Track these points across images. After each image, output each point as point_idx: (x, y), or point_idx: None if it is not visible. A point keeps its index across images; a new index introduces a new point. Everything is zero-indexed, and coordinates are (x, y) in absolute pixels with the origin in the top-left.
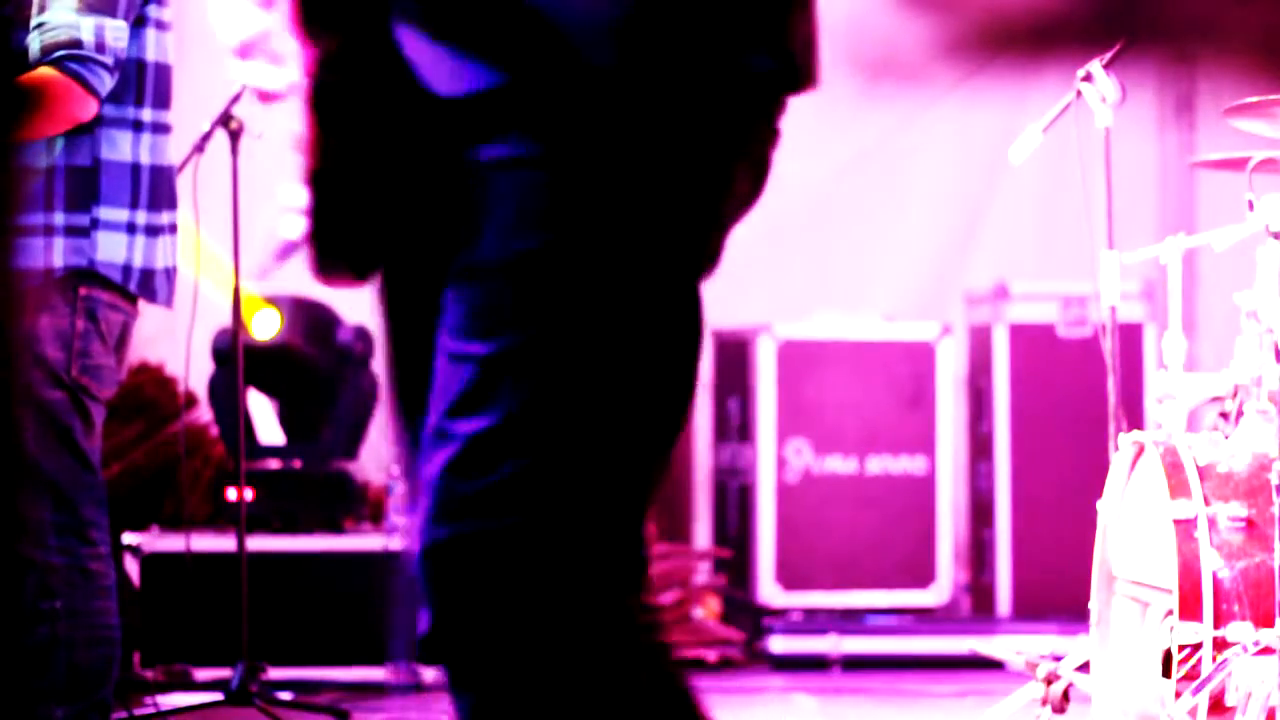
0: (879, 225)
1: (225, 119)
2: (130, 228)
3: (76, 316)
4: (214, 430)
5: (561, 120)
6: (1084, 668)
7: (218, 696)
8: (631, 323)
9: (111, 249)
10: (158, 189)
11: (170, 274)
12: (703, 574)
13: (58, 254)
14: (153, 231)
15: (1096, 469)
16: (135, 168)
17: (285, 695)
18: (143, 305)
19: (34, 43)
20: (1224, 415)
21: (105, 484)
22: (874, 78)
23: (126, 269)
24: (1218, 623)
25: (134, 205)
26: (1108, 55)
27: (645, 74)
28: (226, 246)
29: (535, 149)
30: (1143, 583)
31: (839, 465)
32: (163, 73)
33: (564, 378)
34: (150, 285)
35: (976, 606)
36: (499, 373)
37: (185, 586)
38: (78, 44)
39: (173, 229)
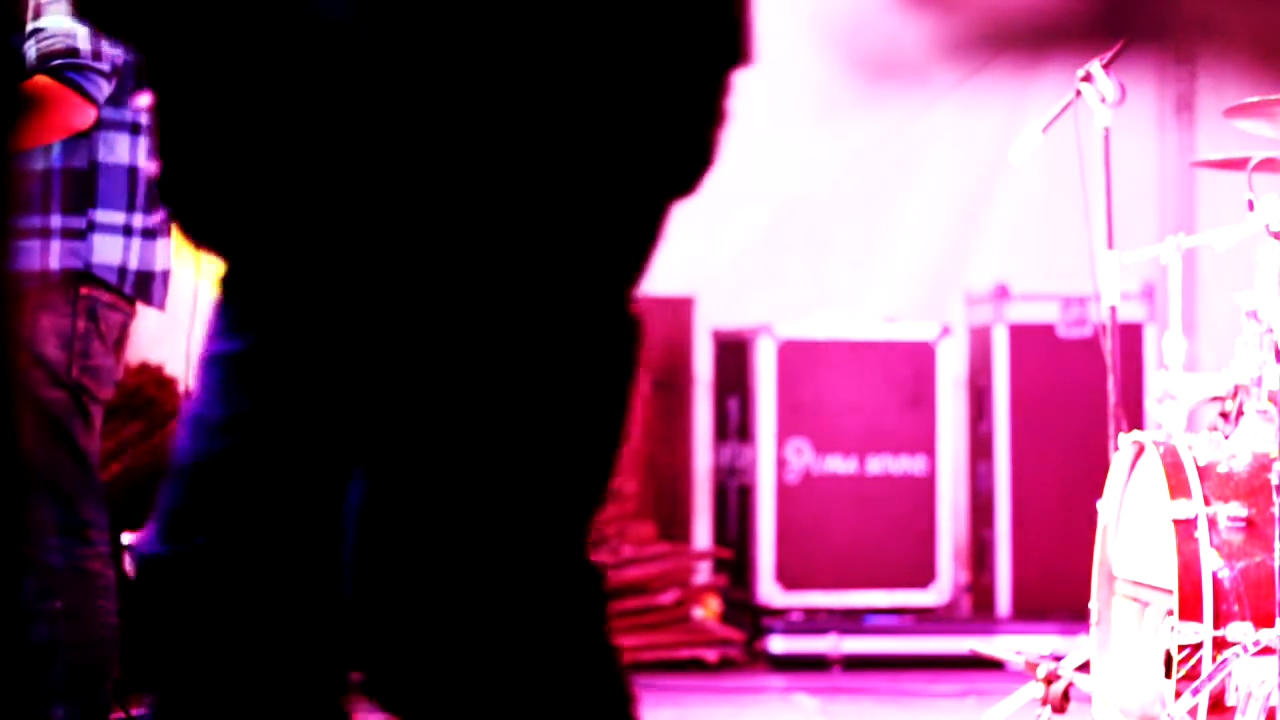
0: (879, 225)
1: None
2: (127, 230)
3: (78, 317)
4: None
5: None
6: (1084, 668)
7: None
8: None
9: (108, 252)
10: (155, 192)
11: (166, 277)
12: (703, 574)
13: (54, 257)
14: (149, 234)
15: (1096, 469)
16: (132, 170)
17: None
18: (141, 305)
19: (30, 50)
20: (1224, 415)
21: (105, 484)
22: (874, 77)
23: (122, 271)
24: (1218, 623)
25: (131, 208)
26: (1108, 55)
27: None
28: None
29: None
30: (1143, 583)
31: (839, 465)
32: None
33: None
34: (147, 288)
35: (976, 606)
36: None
37: None
38: (75, 52)
39: (169, 232)
